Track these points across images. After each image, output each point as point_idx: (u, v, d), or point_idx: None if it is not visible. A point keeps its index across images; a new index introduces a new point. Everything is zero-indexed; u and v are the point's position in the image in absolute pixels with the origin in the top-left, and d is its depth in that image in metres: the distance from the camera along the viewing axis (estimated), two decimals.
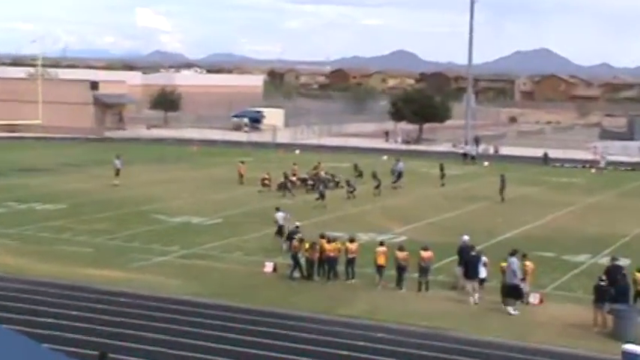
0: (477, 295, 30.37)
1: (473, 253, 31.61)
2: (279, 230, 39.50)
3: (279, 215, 40.15)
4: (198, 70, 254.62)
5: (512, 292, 29.56)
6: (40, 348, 14.78)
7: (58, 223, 43.49)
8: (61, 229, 41.89)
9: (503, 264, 30.29)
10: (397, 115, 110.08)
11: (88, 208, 48.65)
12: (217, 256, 36.98)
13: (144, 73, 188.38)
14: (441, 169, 63.93)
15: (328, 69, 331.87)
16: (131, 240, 39.92)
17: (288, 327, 26.92)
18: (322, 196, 51.50)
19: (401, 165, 62.25)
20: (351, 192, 55.02)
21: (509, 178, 58.72)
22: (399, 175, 61.39)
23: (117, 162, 60.02)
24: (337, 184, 59.01)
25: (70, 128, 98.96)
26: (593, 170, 77.52)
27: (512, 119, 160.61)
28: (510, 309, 29.26)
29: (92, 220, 44.89)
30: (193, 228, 43.60)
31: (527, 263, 30.69)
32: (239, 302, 29.53)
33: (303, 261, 33.21)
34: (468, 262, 31.19)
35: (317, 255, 32.86)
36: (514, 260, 29.95)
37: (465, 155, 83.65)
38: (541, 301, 30.44)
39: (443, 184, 62.67)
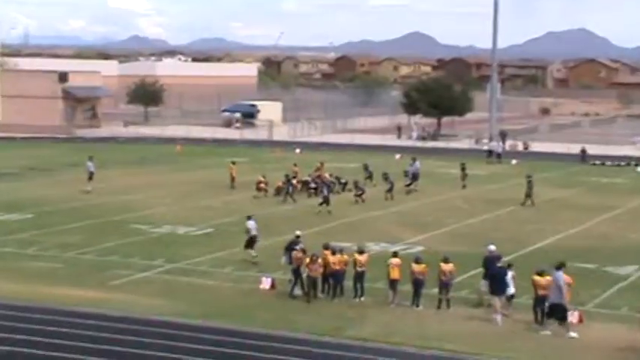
0: (505, 313, 30.29)
1: (499, 265, 31.54)
2: (251, 241, 39.35)
3: (251, 224, 39.88)
4: (183, 58, 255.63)
5: (557, 312, 29.37)
6: None
7: (22, 236, 43.48)
8: (27, 243, 41.86)
9: (538, 278, 30.13)
10: (411, 107, 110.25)
11: (58, 217, 48.66)
12: (207, 272, 36.95)
13: (120, 62, 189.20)
14: (463, 168, 63.93)
15: (332, 55, 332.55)
16: (107, 254, 39.89)
17: (288, 352, 26.87)
18: (326, 201, 51.52)
19: (417, 165, 62.29)
20: (359, 195, 55.06)
21: (541, 179, 58.70)
22: (415, 177, 61.42)
23: (90, 164, 60.02)
24: (344, 185, 59.01)
25: (36, 126, 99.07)
26: (638, 169, 77.47)
27: (545, 111, 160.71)
28: (548, 331, 29.18)
29: (62, 231, 44.90)
30: (179, 239, 43.59)
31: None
32: (232, 324, 29.49)
33: (305, 276, 33.11)
34: (494, 276, 31.11)
35: (320, 270, 32.70)
36: (561, 275, 29.68)
37: (489, 153, 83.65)
38: (580, 319, 30.30)
39: (464, 186, 62.68)
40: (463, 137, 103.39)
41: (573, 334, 28.99)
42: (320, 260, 32.59)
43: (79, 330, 28.38)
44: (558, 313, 29.27)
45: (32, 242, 42.02)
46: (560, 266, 29.98)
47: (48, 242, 42.01)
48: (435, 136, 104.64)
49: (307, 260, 32.58)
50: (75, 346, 26.72)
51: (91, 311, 30.58)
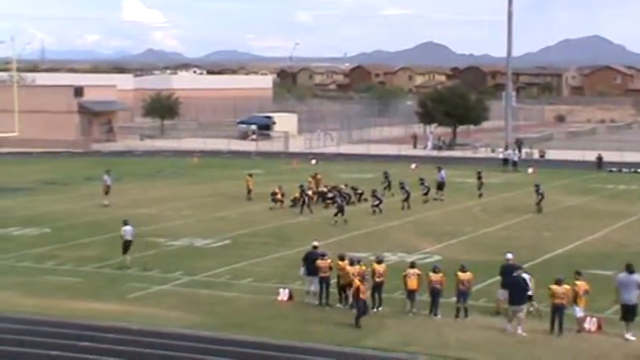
0: (519, 328, 30.05)
1: (514, 274, 31.34)
2: (126, 247, 39.88)
3: (127, 229, 40.39)
4: (198, 70, 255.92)
5: (633, 313, 29.82)
6: None
7: (40, 251, 43.58)
8: (44, 257, 41.97)
9: (555, 287, 29.97)
10: (427, 116, 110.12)
11: (75, 232, 48.79)
12: (225, 284, 36.98)
13: (135, 75, 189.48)
14: (479, 177, 63.82)
15: (347, 66, 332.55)
16: (125, 267, 39.95)
17: None
18: (341, 211, 51.48)
19: (442, 174, 62.36)
20: (377, 205, 54.92)
21: (557, 187, 58.49)
22: (440, 186, 61.50)
23: (106, 178, 60.13)
24: (360, 196, 58.98)
25: (52, 141, 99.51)
26: None
27: (560, 118, 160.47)
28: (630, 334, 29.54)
29: (80, 245, 45.02)
30: (196, 252, 43.65)
31: (579, 283, 30.46)
32: (250, 335, 29.49)
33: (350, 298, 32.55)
34: (511, 285, 30.96)
35: (367, 294, 31.44)
36: (637, 277, 30.15)
37: (505, 161, 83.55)
38: (599, 327, 30.25)
39: (481, 195, 62.57)
40: (479, 146, 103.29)
41: (632, 337, 29.34)
42: (363, 282, 31.66)
43: (98, 343, 28.43)
44: (634, 313, 29.66)
45: (50, 256, 42.14)
46: (632, 270, 30.38)
47: (66, 256, 42.12)
48: (450, 146, 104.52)
49: (357, 283, 31.33)
50: None
51: (110, 325, 30.64)
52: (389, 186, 62.25)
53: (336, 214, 51.48)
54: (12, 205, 58.72)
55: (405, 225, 51.62)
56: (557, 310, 29.89)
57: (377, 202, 55.13)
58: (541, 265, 39.26)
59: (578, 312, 30.05)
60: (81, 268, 39.70)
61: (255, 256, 42.22)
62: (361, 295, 30.89)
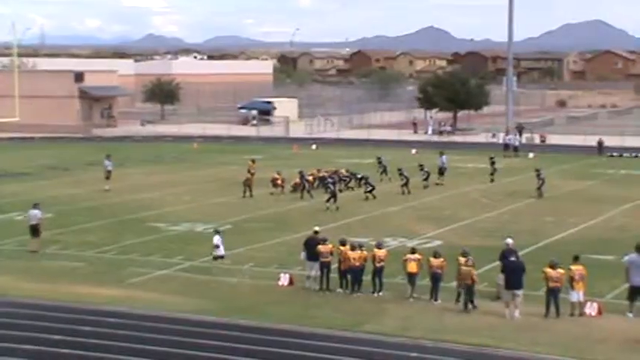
0: (517, 311, 30.18)
1: (512, 259, 31.39)
2: (34, 230, 40.37)
3: (32, 214, 40.88)
4: (198, 56, 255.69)
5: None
6: None
7: (42, 235, 43.39)
8: (46, 242, 41.89)
9: (549, 270, 30.06)
10: (427, 102, 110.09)
11: (77, 216, 48.82)
12: (225, 269, 37.00)
13: (136, 60, 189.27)
14: (492, 162, 63.26)
15: (347, 51, 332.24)
16: (126, 252, 40.05)
17: (307, 347, 26.93)
18: (334, 196, 51.42)
19: (444, 159, 62.39)
20: (370, 192, 54.80)
21: (558, 172, 58.40)
22: (441, 171, 61.53)
23: (107, 163, 60.20)
24: (360, 181, 58.99)
25: (53, 126, 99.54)
26: None
27: (561, 103, 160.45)
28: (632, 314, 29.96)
29: (81, 230, 45.10)
30: (197, 237, 43.67)
31: (573, 268, 30.49)
32: (251, 320, 29.57)
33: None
34: (507, 269, 30.98)
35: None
36: None
37: (506, 146, 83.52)
38: (600, 311, 30.32)
39: (492, 180, 62.38)
40: (480, 131, 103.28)
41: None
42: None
43: (100, 328, 28.52)
44: None
45: (52, 241, 42.13)
46: None
47: (68, 241, 42.19)
48: (451, 131, 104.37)
49: (472, 271, 31.15)
50: (96, 344, 26.86)
51: (111, 309, 30.75)
52: (385, 170, 62.24)
53: (328, 200, 51.47)
54: (14, 190, 58.77)
55: (405, 210, 51.65)
56: (552, 293, 29.99)
57: (370, 189, 54.96)
58: (542, 250, 39.31)
59: (574, 296, 30.13)
60: (82, 253, 39.80)
61: (256, 241, 42.28)
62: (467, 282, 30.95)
